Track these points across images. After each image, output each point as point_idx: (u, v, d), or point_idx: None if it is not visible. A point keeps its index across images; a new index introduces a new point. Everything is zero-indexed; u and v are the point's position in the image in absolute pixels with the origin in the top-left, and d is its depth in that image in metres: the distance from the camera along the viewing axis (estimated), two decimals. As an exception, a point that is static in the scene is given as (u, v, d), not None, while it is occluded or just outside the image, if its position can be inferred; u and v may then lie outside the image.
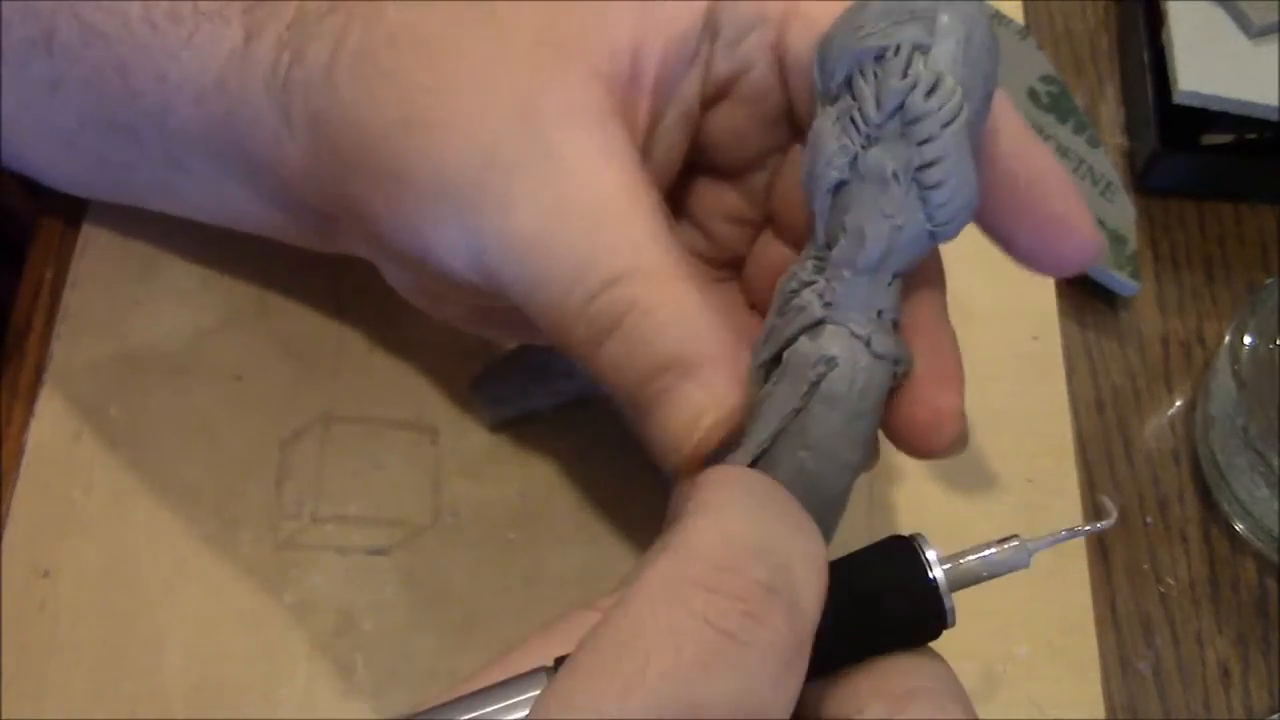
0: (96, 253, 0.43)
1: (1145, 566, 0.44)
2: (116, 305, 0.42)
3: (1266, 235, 0.51)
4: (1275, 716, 0.41)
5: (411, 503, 0.40)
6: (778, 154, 0.34)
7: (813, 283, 0.29)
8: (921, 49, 0.28)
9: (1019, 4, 0.54)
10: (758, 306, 0.35)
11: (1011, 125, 0.31)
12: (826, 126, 0.29)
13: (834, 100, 0.29)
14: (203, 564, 0.39)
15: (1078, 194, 0.31)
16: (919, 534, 0.26)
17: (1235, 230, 0.51)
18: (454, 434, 0.41)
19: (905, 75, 0.28)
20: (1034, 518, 0.43)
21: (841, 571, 0.25)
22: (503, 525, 0.40)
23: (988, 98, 0.29)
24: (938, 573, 0.26)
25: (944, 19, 0.28)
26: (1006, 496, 0.43)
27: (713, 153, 0.34)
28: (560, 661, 0.24)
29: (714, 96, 0.33)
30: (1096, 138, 0.50)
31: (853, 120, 0.28)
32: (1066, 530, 0.28)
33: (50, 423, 0.40)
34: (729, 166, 0.35)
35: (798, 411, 0.29)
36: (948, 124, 0.28)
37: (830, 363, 0.29)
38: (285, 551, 0.39)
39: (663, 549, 0.24)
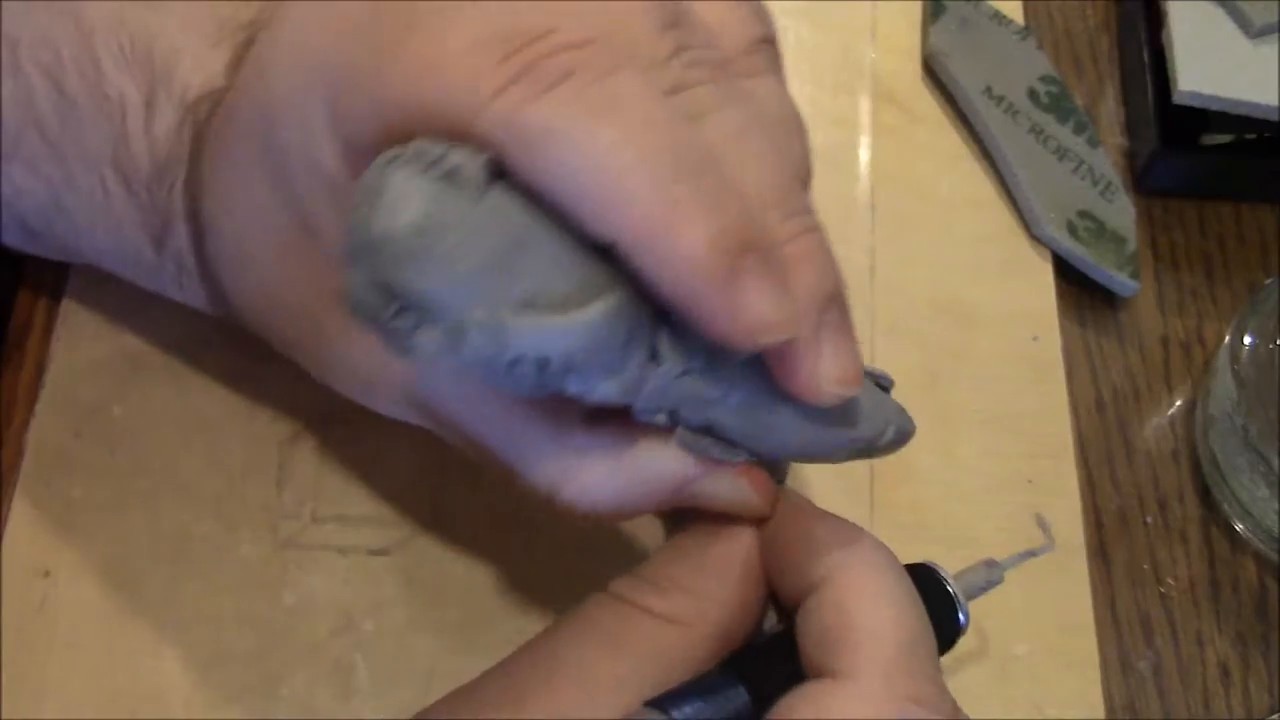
0: (96, 253, 0.43)
1: (1145, 566, 0.44)
2: (116, 305, 0.42)
3: (1266, 235, 0.51)
4: (1275, 716, 0.41)
5: (411, 503, 0.40)
6: None
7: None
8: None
9: (1019, 4, 0.54)
10: None
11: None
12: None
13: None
14: (203, 564, 0.39)
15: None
16: (931, 562, 0.32)
17: (1235, 230, 0.51)
18: (454, 434, 0.41)
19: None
20: (1034, 517, 0.43)
21: None
22: (502, 525, 0.40)
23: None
24: (955, 588, 0.32)
25: None
26: (1007, 497, 0.43)
27: None
28: (657, 702, 0.27)
29: None
30: (1096, 138, 0.50)
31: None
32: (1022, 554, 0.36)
33: (50, 423, 0.40)
34: None
35: None
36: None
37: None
38: (285, 551, 0.39)
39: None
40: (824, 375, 0.27)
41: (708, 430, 0.28)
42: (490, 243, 0.24)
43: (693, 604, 0.29)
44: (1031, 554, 0.36)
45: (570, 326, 0.25)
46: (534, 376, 0.25)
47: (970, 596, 0.32)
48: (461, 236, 0.24)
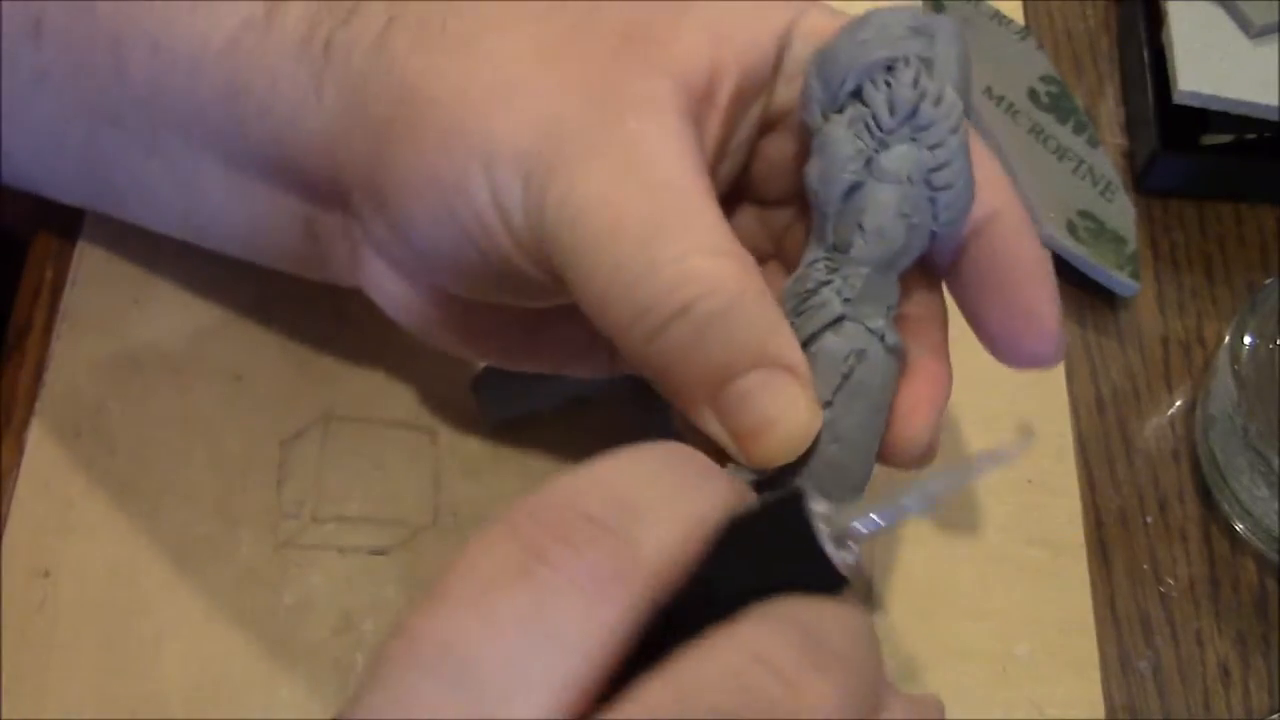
0: (96, 252, 0.43)
1: (1145, 566, 0.44)
2: (116, 305, 0.42)
3: (1266, 235, 0.51)
4: (1275, 716, 0.41)
5: (411, 503, 0.40)
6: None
7: (829, 281, 0.31)
8: (925, 62, 0.30)
9: (1019, 4, 0.54)
10: None
11: (1013, 212, 0.32)
12: (838, 132, 0.30)
13: (840, 109, 0.31)
14: (203, 564, 0.39)
15: (1055, 293, 0.32)
16: (803, 488, 0.25)
17: (1235, 230, 0.51)
18: (454, 434, 0.41)
19: (916, 85, 0.30)
20: (1034, 518, 0.43)
21: (733, 529, 0.25)
22: (503, 525, 0.40)
23: (969, 106, 0.32)
24: (821, 526, 0.25)
25: (942, 36, 0.31)
26: (1007, 497, 0.43)
27: (754, 180, 0.34)
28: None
29: (768, 125, 0.33)
30: (1096, 138, 0.50)
31: (866, 126, 0.30)
32: (963, 464, 0.27)
33: (50, 422, 0.40)
34: (764, 196, 0.35)
35: (828, 404, 0.30)
36: (954, 130, 0.30)
37: (861, 356, 0.30)
38: (285, 551, 0.39)
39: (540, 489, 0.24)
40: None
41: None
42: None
43: None
44: (980, 466, 0.27)
45: None
46: None
47: (872, 530, 0.25)
48: None
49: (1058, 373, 0.46)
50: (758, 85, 0.32)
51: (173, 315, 0.42)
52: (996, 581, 0.42)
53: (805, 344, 0.30)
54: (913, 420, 0.31)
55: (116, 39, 0.34)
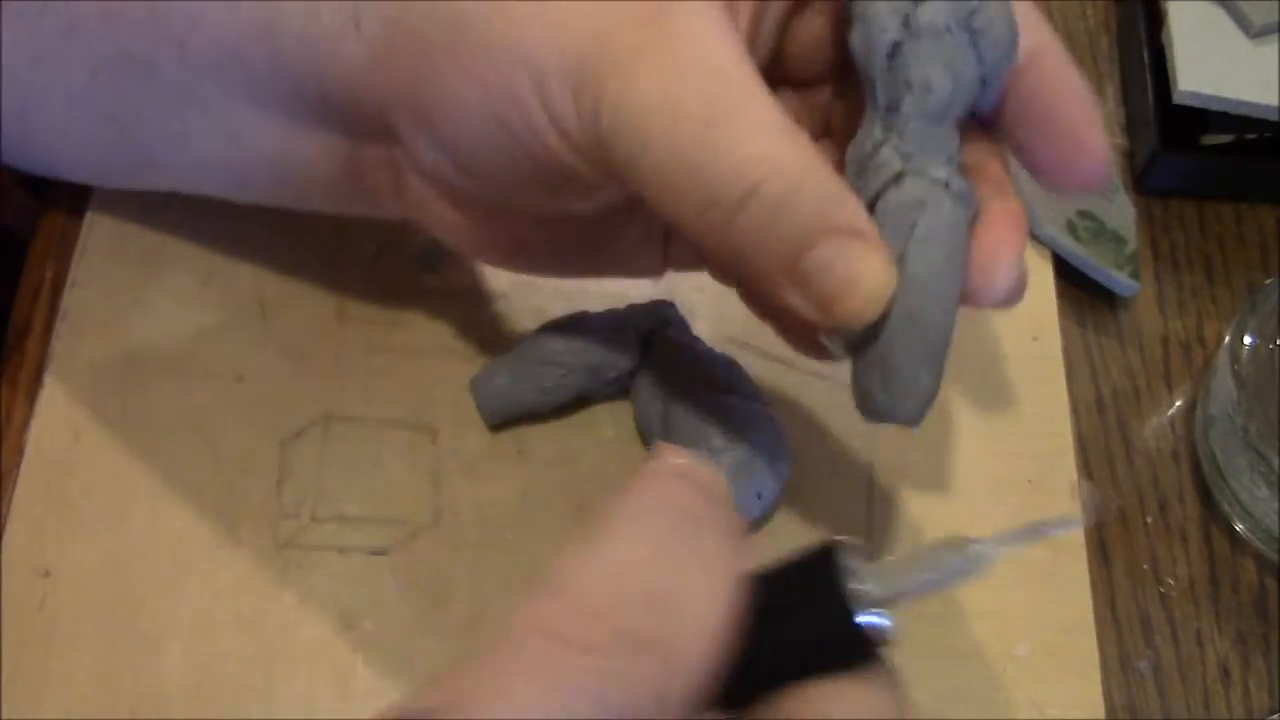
0: (96, 253, 0.43)
1: (1145, 566, 0.44)
2: (116, 305, 0.42)
3: (1266, 235, 0.51)
4: (1275, 716, 0.41)
5: (411, 503, 0.40)
6: (848, 69, 0.34)
7: (885, 140, 0.31)
8: None
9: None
10: None
11: (1053, 49, 0.32)
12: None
13: None
14: (203, 564, 0.39)
15: (1098, 118, 0.32)
16: (842, 540, 0.24)
17: (1235, 230, 0.51)
18: (454, 434, 0.41)
19: None
20: (1034, 518, 0.43)
21: (762, 588, 0.23)
22: (503, 525, 0.40)
23: None
24: (858, 587, 0.23)
25: None
26: (1007, 497, 0.43)
27: (788, 62, 0.35)
28: None
29: (796, 6, 0.33)
30: (1096, 138, 0.50)
31: None
32: (1028, 526, 0.25)
33: (50, 423, 0.40)
34: (800, 77, 0.35)
35: (901, 258, 0.30)
36: None
37: (922, 205, 0.30)
38: (285, 551, 0.39)
39: (544, 582, 0.23)
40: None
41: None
42: None
43: None
44: (1044, 529, 0.25)
45: None
46: None
47: (914, 591, 0.24)
48: None
49: (1058, 373, 0.46)
50: None
51: (173, 315, 0.42)
52: (996, 581, 0.42)
53: (871, 204, 0.31)
54: (996, 260, 0.31)
55: None
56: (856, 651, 0.23)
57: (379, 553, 0.40)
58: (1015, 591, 0.42)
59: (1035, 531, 0.25)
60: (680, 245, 0.38)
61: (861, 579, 0.23)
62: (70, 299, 0.42)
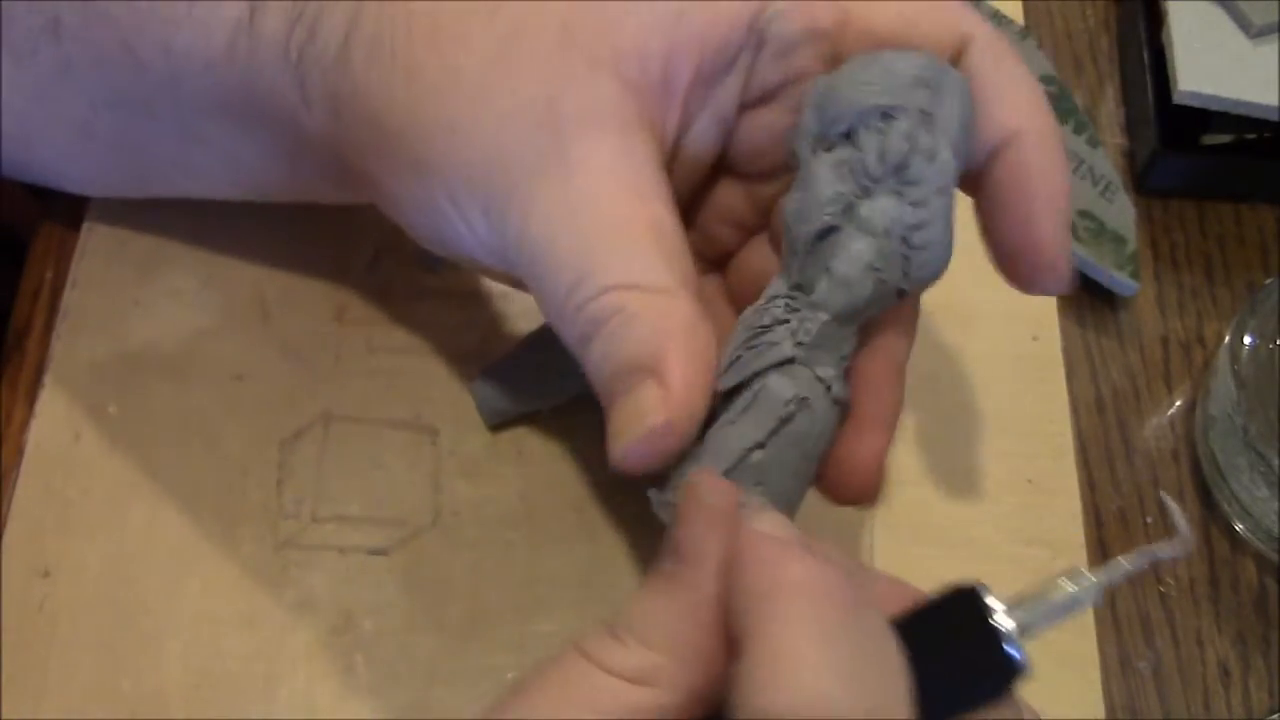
0: (96, 253, 0.43)
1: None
2: (116, 305, 0.42)
3: (1266, 235, 0.51)
4: (1275, 717, 0.41)
5: (411, 503, 0.40)
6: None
7: (786, 321, 0.30)
8: (925, 116, 0.29)
9: (1019, 4, 0.54)
10: (736, 303, 0.36)
11: (1031, 137, 0.31)
12: (823, 171, 0.30)
13: (829, 148, 0.30)
14: (203, 564, 0.39)
15: (1064, 223, 0.32)
16: (980, 584, 0.26)
17: (1235, 230, 0.51)
18: (454, 434, 0.41)
19: (910, 138, 0.29)
20: (1034, 518, 0.43)
21: (909, 634, 0.25)
22: (503, 525, 0.40)
23: (962, 168, 0.31)
24: (1003, 621, 0.26)
25: (949, 91, 0.30)
26: (1007, 497, 0.43)
27: (740, 157, 0.34)
28: None
29: (755, 101, 0.33)
30: (1096, 138, 0.50)
31: (852, 170, 0.29)
32: (1138, 552, 0.27)
33: (50, 423, 0.40)
34: (751, 171, 0.35)
35: (759, 446, 0.29)
36: (941, 192, 0.29)
37: (802, 403, 0.30)
38: (285, 551, 0.39)
39: (730, 706, 0.23)
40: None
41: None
42: None
43: (655, 661, 0.26)
44: (1154, 556, 0.28)
45: None
46: None
47: (1046, 623, 0.27)
48: None
49: (1058, 373, 0.46)
50: (726, 63, 0.32)
51: (173, 315, 0.42)
52: (996, 581, 0.42)
53: (751, 379, 0.30)
54: (859, 467, 0.32)
55: (130, 41, 0.35)
56: (1003, 683, 0.26)
57: (379, 553, 0.40)
58: (1015, 591, 0.42)
59: (1145, 557, 0.27)
60: None
61: (1004, 615, 0.26)
62: (70, 300, 0.42)
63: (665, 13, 0.31)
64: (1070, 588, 0.27)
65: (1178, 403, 0.47)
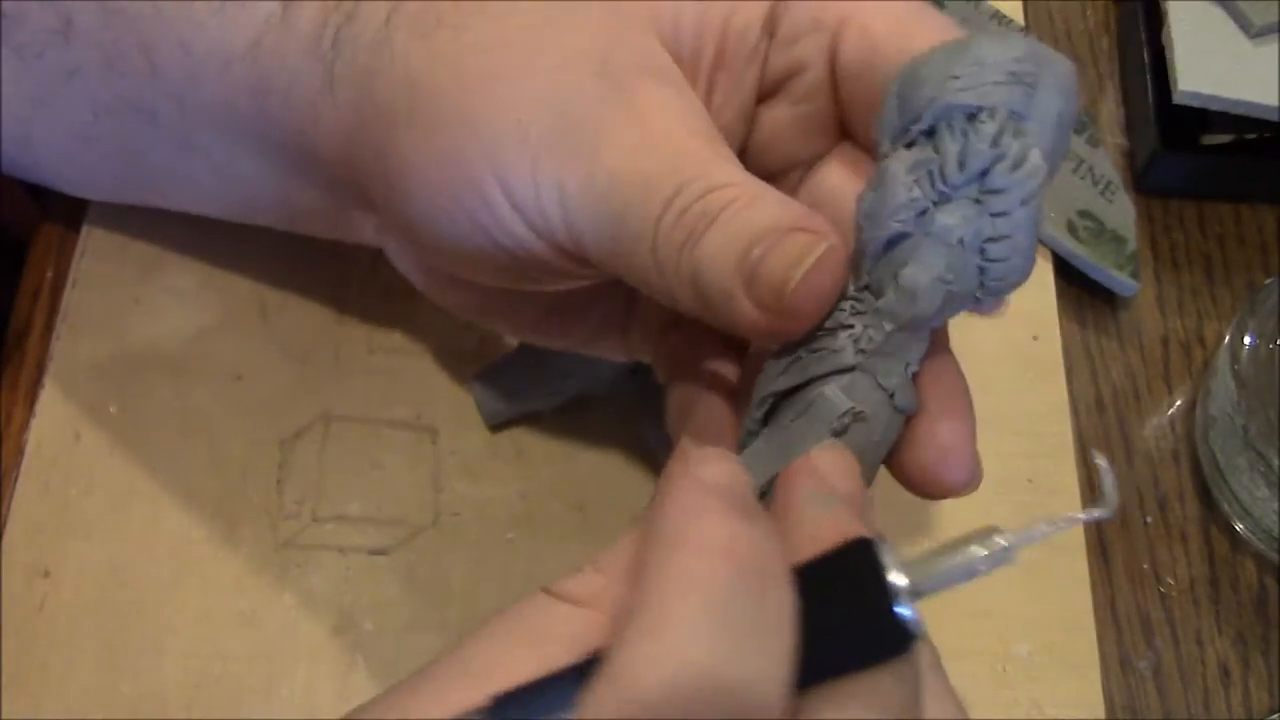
0: (96, 253, 0.43)
1: (1145, 566, 0.44)
2: (116, 305, 0.42)
3: (1266, 235, 0.51)
4: (1275, 716, 0.41)
5: (411, 503, 0.40)
6: (817, 159, 0.34)
7: (850, 326, 0.28)
8: (1017, 117, 0.27)
9: (1019, 4, 0.54)
10: None
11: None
12: (899, 172, 0.27)
13: (910, 144, 0.27)
14: (203, 564, 0.39)
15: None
16: (879, 537, 0.24)
17: (1235, 230, 0.51)
18: (454, 434, 0.41)
19: (996, 144, 0.26)
20: (1034, 518, 0.43)
21: (798, 581, 0.23)
22: (503, 525, 0.40)
23: (1056, 169, 0.28)
24: (897, 579, 0.24)
25: (1047, 86, 0.27)
26: (1007, 496, 0.43)
27: (756, 150, 0.34)
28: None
29: (767, 93, 0.33)
30: (1096, 138, 0.50)
31: (929, 174, 0.27)
32: (1048, 522, 0.26)
33: (50, 423, 0.40)
34: (769, 166, 0.34)
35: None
36: (1026, 201, 0.27)
37: (859, 417, 0.28)
38: (285, 551, 0.39)
39: (606, 663, 0.22)
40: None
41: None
42: None
43: (600, 584, 0.25)
44: (1074, 519, 0.27)
45: None
46: None
47: (945, 584, 0.25)
48: None
49: (1058, 373, 0.46)
50: (746, 51, 0.32)
51: (173, 315, 0.42)
52: (996, 581, 0.42)
53: (808, 383, 0.28)
54: (949, 456, 0.30)
55: (147, 41, 0.35)
56: (894, 644, 0.24)
57: (379, 553, 0.40)
58: (1015, 591, 0.42)
59: (1062, 522, 0.26)
60: (638, 332, 0.37)
61: (898, 572, 0.24)
62: (70, 299, 0.42)
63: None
64: (980, 551, 0.25)
65: (1178, 403, 0.47)
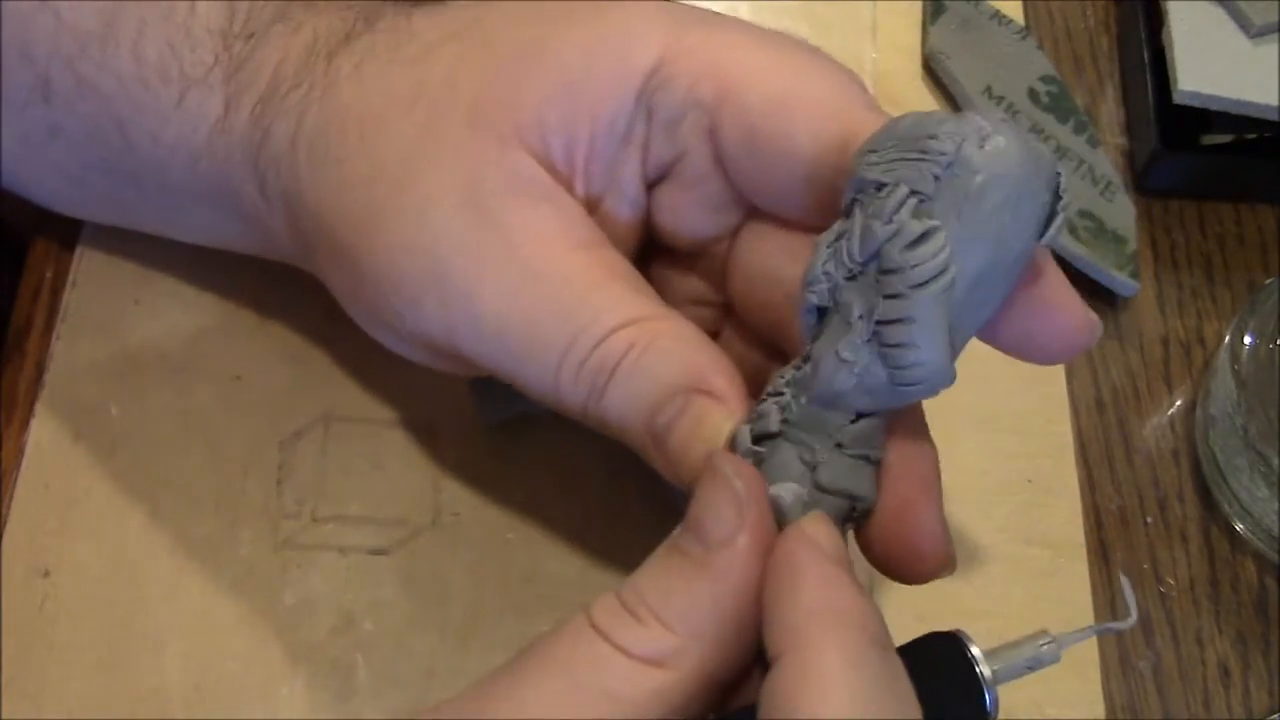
0: (96, 253, 0.43)
1: (1145, 566, 0.44)
2: (116, 305, 0.42)
3: (1266, 235, 0.51)
4: (1275, 716, 0.41)
5: (411, 503, 0.40)
6: (728, 237, 0.33)
7: (780, 394, 0.28)
8: (920, 196, 0.25)
9: (1019, 4, 0.54)
10: None
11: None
12: (821, 244, 0.27)
13: (845, 214, 0.27)
14: (203, 564, 0.39)
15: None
16: (962, 631, 0.28)
17: (1235, 230, 0.51)
18: (454, 434, 0.41)
19: (890, 220, 0.25)
20: (1034, 518, 0.43)
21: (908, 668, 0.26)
22: (503, 525, 0.40)
23: (1021, 256, 0.27)
24: (985, 669, 0.28)
25: (964, 165, 0.25)
26: (1007, 497, 0.43)
27: (663, 234, 0.34)
28: None
29: (657, 177, 0.32)
30: (1096, 138, 0.50)
31: (842, 247, 0.27)
32: (1092, 627, 0.31)
33: (50, 423, 0.40)
34: (682, 248, 0.34)
35: None
36: (920, 285, 0.25)
37: (793, 496, 0.27)
38: (285, 551, 0.39)
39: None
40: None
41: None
42: None
43: (675, 645, 0.25)
44: (1107, 629, 0.31)
45: None
46: None
47: (1012, 675, 0.29)
48: None
49: (1058, 373, 0.46)
50: (620, 136, 0.31)
51: (173, 315, 0.42)
52: (996, 581, 0.42)
53: (755, 439, 0.28)
54: (911, 543, 0.30)
55: (121, 121, 0.35)
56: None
57: (379, 553, 0.40)
58: (1015, 591, 0.42)
59: (1097, 630, 0.31)
60: None
61: (986, 664, 0.28)
62: (70, 299, 0.42)
63: (556, 86, 0.31)
64: (1041, 646, 0.29)
65: (1178, 403, 0.47)
